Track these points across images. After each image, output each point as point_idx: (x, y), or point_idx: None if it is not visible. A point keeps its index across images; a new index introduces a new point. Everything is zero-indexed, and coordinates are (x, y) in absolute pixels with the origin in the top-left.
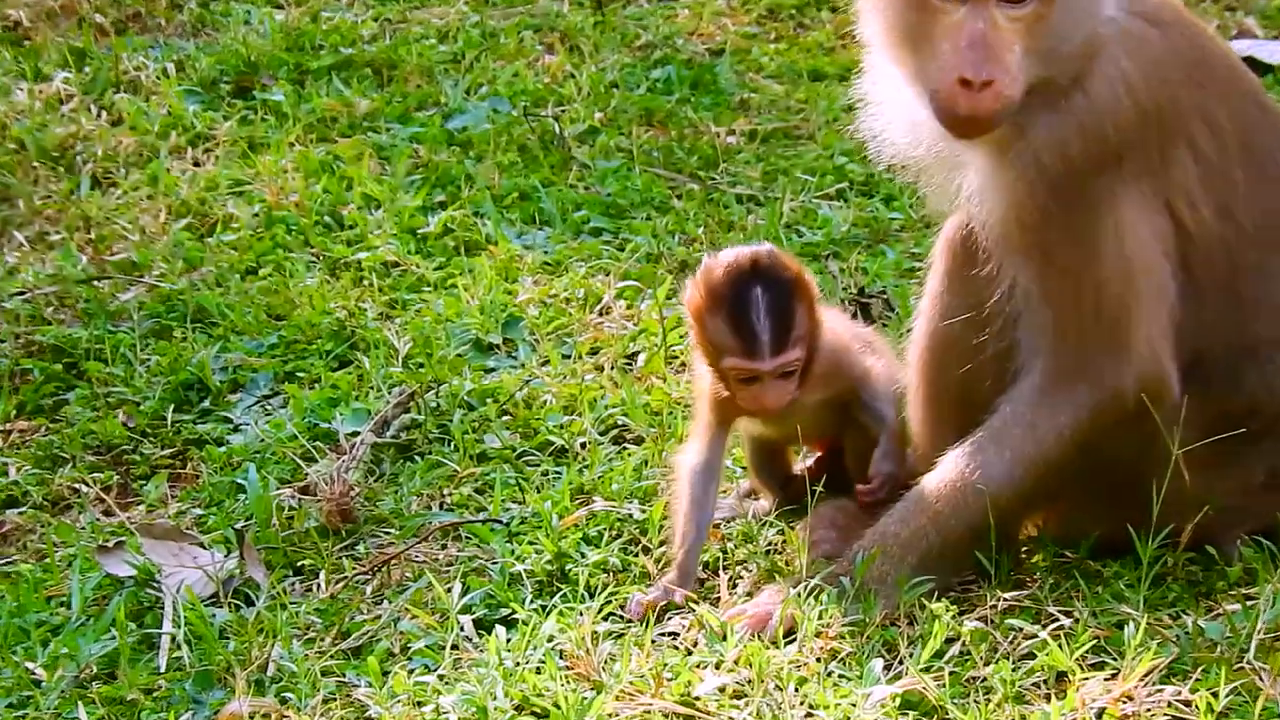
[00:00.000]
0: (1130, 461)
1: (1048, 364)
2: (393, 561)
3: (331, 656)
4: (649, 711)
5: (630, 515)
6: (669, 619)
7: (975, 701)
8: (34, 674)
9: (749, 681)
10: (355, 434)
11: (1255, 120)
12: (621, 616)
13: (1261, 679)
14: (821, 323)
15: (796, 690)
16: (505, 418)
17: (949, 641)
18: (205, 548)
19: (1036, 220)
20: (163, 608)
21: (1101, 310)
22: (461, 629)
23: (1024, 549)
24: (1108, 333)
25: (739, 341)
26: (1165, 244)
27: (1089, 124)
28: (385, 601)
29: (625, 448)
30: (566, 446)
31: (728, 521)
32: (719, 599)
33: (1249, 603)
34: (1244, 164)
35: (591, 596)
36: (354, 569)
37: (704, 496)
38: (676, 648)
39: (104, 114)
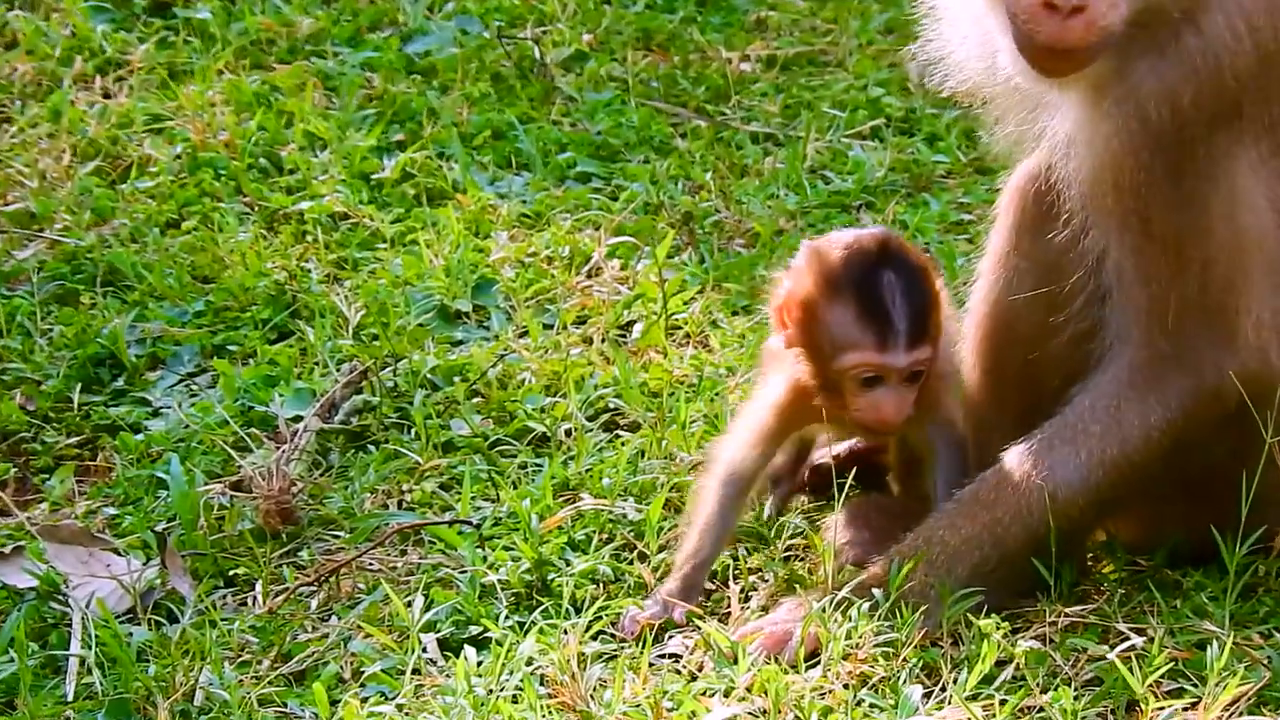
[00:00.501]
0: (1222, 457)
1: (1139, 351)
2: (342, 570)
3: (270, 682)
4: None
5: (624, 516)
6: (669, 638)
7: None
8: None
9: (764, 712)
10: (297, 419)
11: None
12: (613, 636)
13: None
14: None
15: None
16: (476, 400)
17: (1000, 664)
18: (120, 554)
19: (1137, 183)
20: (70, 625)
21: (1207, 292)
22: (424, 650)
23: (1090, 556)
24: (1212, 318)
25: (870, 332)
26: None
27: (1204, 69)
28: (334, 617)
29: (618, 435)
30: (548, 434)
31: None
32: (729, 614)
33: None
34: None
35: (578, 612)
36: (296, 579)
37: (732, 508)
38: (678, 672)
39: None
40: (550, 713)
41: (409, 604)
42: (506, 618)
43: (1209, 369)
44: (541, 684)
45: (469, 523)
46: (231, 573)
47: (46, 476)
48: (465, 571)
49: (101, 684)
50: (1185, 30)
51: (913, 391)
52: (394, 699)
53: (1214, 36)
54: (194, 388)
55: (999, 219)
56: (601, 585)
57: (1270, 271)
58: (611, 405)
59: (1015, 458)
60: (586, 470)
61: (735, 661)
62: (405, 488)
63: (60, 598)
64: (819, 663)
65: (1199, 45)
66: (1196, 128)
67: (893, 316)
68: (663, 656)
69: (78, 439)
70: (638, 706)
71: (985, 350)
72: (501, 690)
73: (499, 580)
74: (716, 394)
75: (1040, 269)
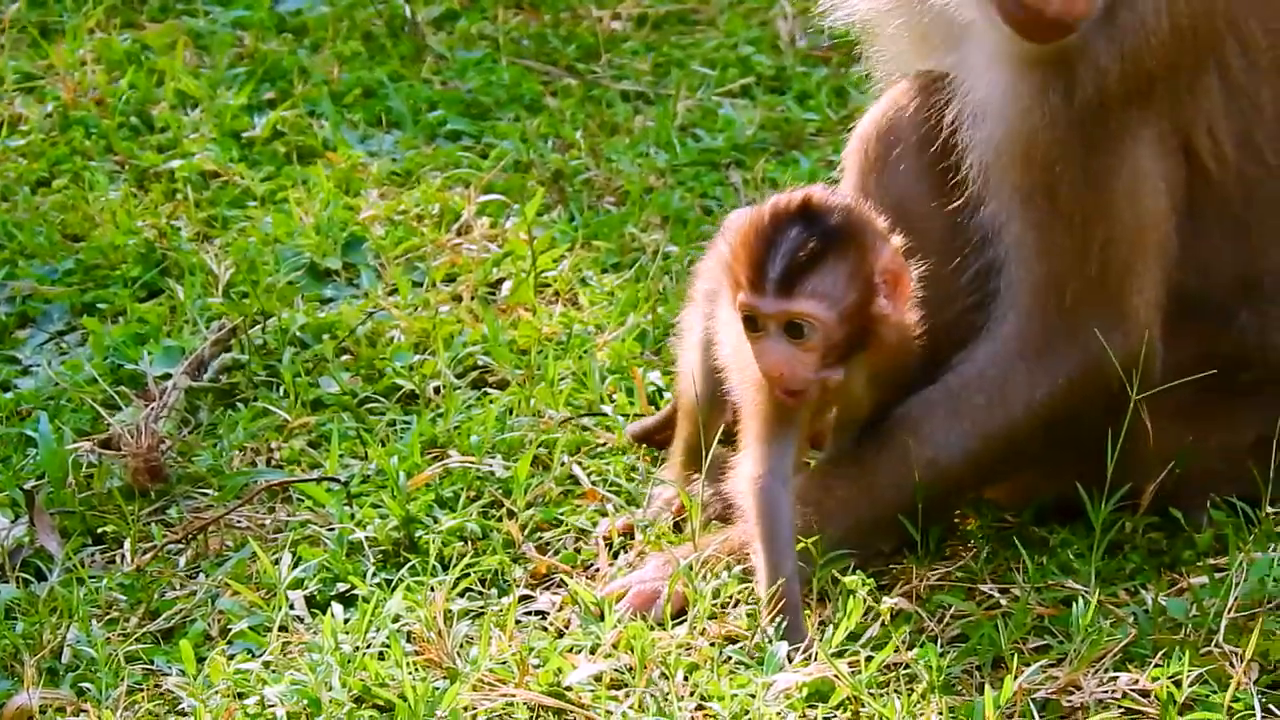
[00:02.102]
0: (1097, 419)
1: (1029, 324)
2: (210, 528)
3: (138, 640)
4: (511, 704)
5: (491, 473)
6: (540, 595)
7: (896, 692)
8: None
9: (630, 669)
10: (166, 377)
11: None
12: (479, 593)
13: (1232, 664)
14: (885, 310)
15: (686, 679)
16: (345, 357)
17: (866, 622)
18: None
19: (1050, 157)
20: None
21: (1106, 271)
22: (291, 607)
23: (956, 513)
24: (1107, 297)
25: (747, 271)
26: (1175, 192)
27: (1129, 46)
28: (201, 575)
29: (486, 393)
30: (417, 391)
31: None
32: (596, 571)
33: (1218, 575)
34: (1274, 82)
35: (445, 569)
36: (164, 537)
37: (785, 508)
38: (545, 629)
39: None
40: (416, 669)
41: (276, 561)
42: (374, 575)
43: (1097, 345)
44: (408, 641)
45: (337, 480)
46: (100, 530)
47: None
48: (333, 529)
49: None
50: (1120, 6)
51: (801, 353)
52: (260, 656)
53: (1143, 13)
54: (63, 346)
55: (846, 168)
56: (469, 542)
57: (1161, 252)
58: (480, 363)
59: (896, 422)
60: (455, 427)
61: (601, 619)
62: (274, 445)
63: None
64: (685, 620)
65: (1130, 21)
66: (1113, 104)
67: (771, 260)
68: (529, 614)
69: None
70: (504, 663)
71: None
72: (368, 647)
73: (366, 537)
74: (585, 351)
75: (887, 208)
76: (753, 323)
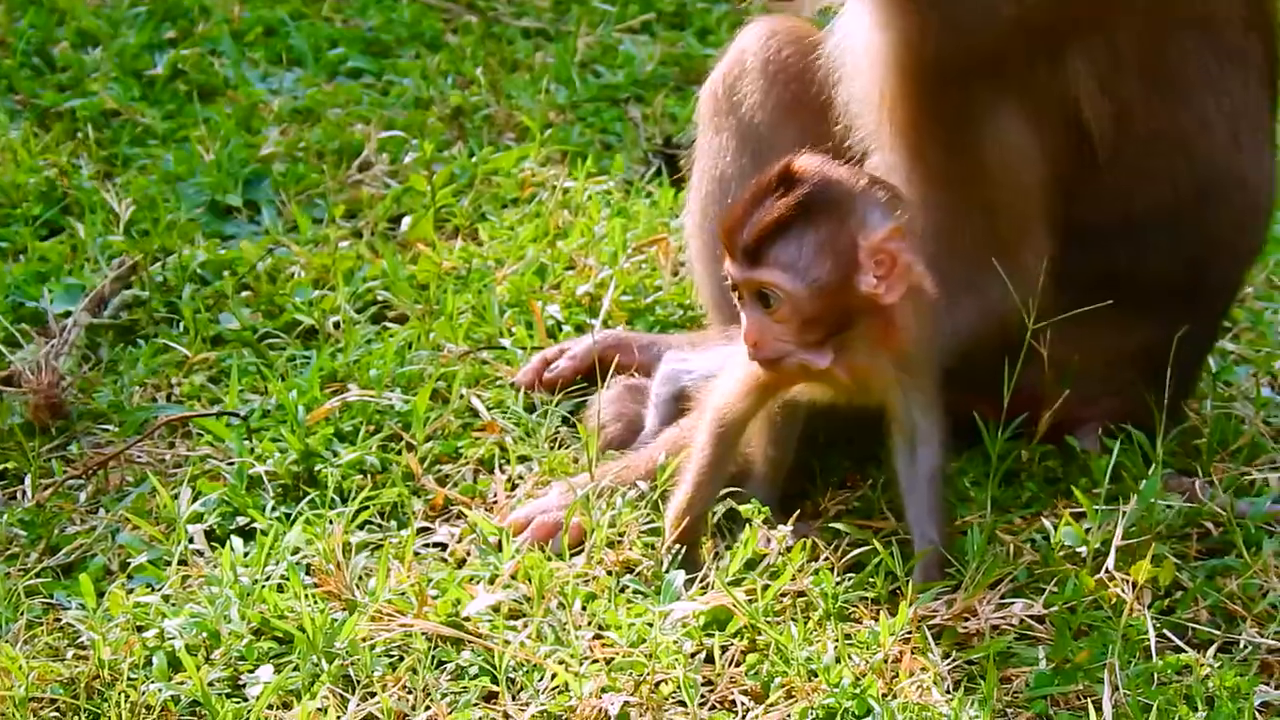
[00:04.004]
0: (995, 359)
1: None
2: (111, 463)
3: (37, 575)
4: (409, 634)
5: (391, 406)
6: (439, 526)
7: (792, 619)
8: None
9: (528, 599)
10: (67, 314)
11: (1175, 52)
12: (379, 525)
13: (1125, 590)
14: (874, 291)
15: (584, 608)
16: (245, 293)
17: (763, 549)
18: None
19: (914, 125)
20: None
21: (992, 229)
22: (190, 541)
23: (851, 444)
24: (1001, 252)
25: (725, 238)
26: (1057, 160)
27: (976, 24)
28: (101, 510)
29: (386, 327)
30: (317, 327)
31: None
32: (494, 503)
33: (1112, 502)
34: (1140, 59)
35: (344, 501)
36: (65, 473)
37: (726, 459)
38: (444, 560)
39: None
40: (315, 601)
41: (176, 496)
42: (273, 508)
43: (996, 297)
44: (307, 573)
45: (236, 415)
46: (0, 467)
47: None
48: (232, 463)
49: None
50: None
51: (773, 323)
52: (160, 589)
53: None
54: None
55: (699, 118)
56: (368, 475)
57: (1048, 213)
58: (380, 298)
59: None
60: (354, 362)
61: (500, 549)
62: (174, 381)
63: None
64: (583, 550)
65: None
66: (967, 78)
67: (745, 226)
68: (428, 545)
69: None
70: (402, 594)
71: (705, 239)
72: (267, 579)
73: (266, 471)
74: (484, 285)
75: (740, 139)
76: (735, 289)
